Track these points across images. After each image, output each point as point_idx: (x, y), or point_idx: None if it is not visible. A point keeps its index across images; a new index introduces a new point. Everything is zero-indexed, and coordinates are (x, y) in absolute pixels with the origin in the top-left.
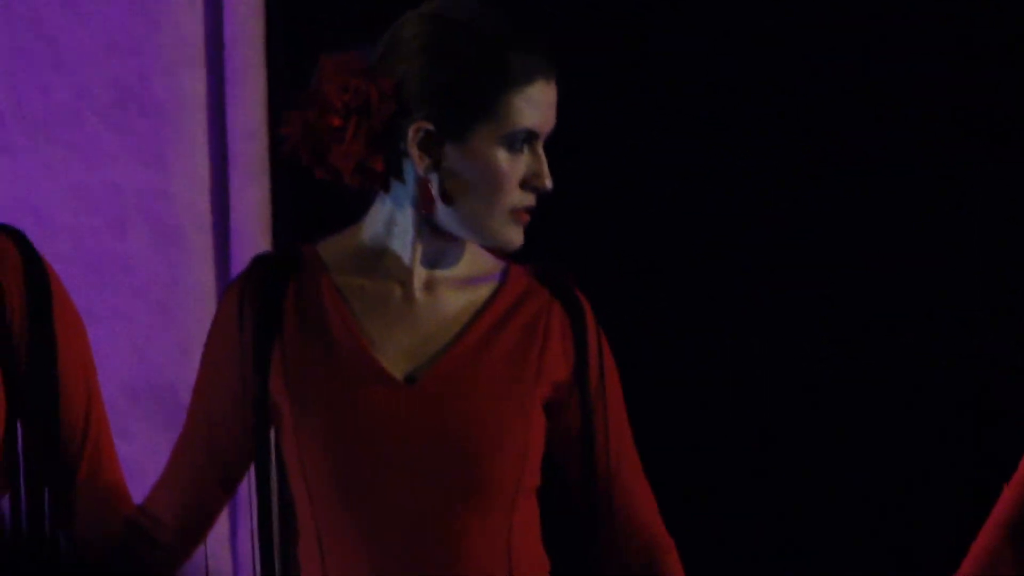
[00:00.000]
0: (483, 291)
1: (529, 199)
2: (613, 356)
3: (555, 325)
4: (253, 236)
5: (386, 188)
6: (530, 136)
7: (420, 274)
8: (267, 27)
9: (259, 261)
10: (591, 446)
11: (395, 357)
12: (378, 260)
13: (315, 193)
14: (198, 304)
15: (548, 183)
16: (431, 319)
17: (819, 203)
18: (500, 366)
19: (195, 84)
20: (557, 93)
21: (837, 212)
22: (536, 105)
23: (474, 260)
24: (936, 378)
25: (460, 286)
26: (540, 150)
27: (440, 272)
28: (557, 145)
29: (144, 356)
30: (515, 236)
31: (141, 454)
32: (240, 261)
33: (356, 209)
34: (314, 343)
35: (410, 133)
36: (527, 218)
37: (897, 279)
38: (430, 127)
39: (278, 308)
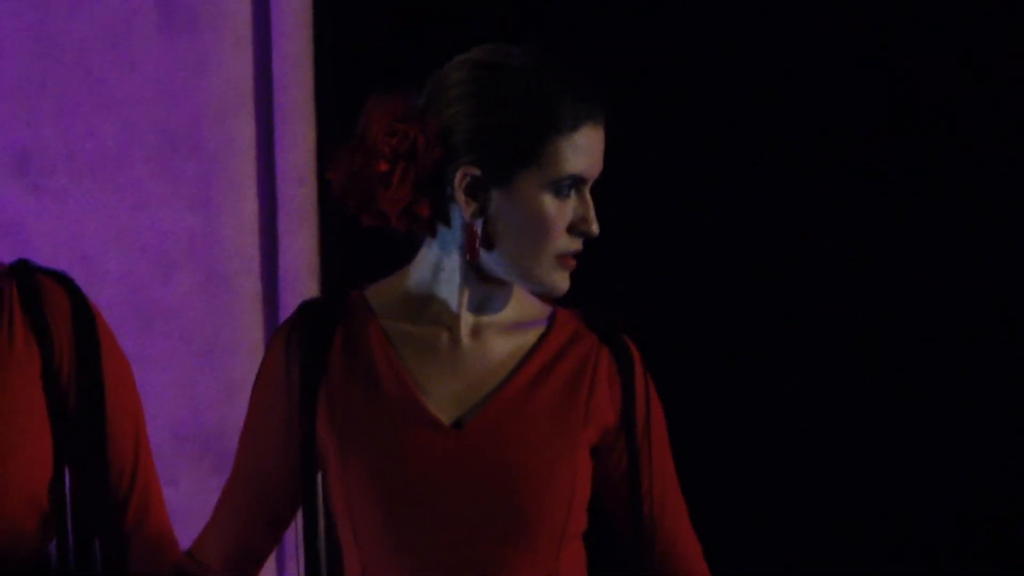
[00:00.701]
0: (530, 336)
1: (576, 244)
2: (659, 398)
3: (603, 370)
4: (301, 280)
5: (432, 233)
6: (577, 181)
7: (467, 319)
8: (316, 71)
9: (306, 306)
10: (637, 490)
11: (442, 402)
12: (425, 305)
13: (364, 238)
14: (246, 348)
15: (595, 228)
16: (478, 364)
17: (860, 236)
18: (547, 410)
19: (243, 128)
20: (605, 138)
21: (881, 246)
22: (583, 151)
23: (521, 305)
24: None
25: (507, 331)
26: (587, 195)
27: (487, 317)
28: (601, 187)
29: (192, 400)
30: (561, 281)
31: (188, 498)
32: (288, 306)
33: (405, 254)
34: (361, 388)
35: (456, 178)
36: (573, 263)
37: (944, 317)
38: (476, 172)
39: (325, 353)
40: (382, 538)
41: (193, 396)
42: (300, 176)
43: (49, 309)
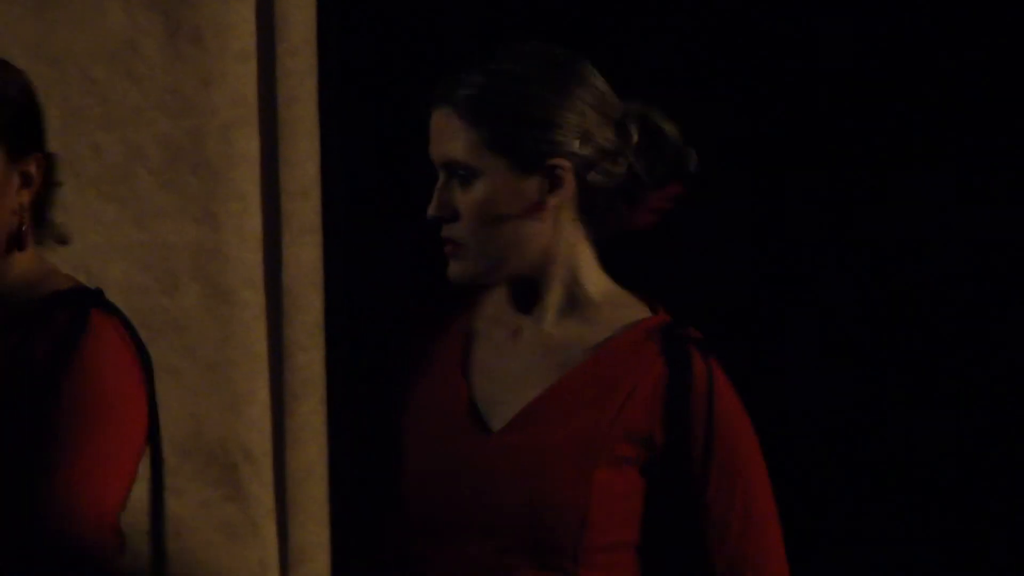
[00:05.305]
0: (591, 343)
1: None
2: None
3: (647, 383)
4: (305, 294)
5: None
6: (436, 166)
7: (527, 321)
8: (320, 86)
9: (431, 298)
10: (703, 516)
11: (493, 406)
12: (509, 306)
13: (367, 251)
14: (250, 362)
15: (429, 211)
16: (532, 369)
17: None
18: (573, 421)
19: (248, 142)
20: (449, 120)
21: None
22: (431, 135)
23: (596, 310)
24: None
25: (571, 337)
26: (440, 179)
27: (555, 320)
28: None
29: (195, 414)
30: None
31: (192, 510)
32: (292, 319)
33: (408, 267)
34: (433, 387)
35: None
36: (448, 248)
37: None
38: None
39: (427, 347)
40: (419, 536)
41: (197, 409)
42: (304, 190)
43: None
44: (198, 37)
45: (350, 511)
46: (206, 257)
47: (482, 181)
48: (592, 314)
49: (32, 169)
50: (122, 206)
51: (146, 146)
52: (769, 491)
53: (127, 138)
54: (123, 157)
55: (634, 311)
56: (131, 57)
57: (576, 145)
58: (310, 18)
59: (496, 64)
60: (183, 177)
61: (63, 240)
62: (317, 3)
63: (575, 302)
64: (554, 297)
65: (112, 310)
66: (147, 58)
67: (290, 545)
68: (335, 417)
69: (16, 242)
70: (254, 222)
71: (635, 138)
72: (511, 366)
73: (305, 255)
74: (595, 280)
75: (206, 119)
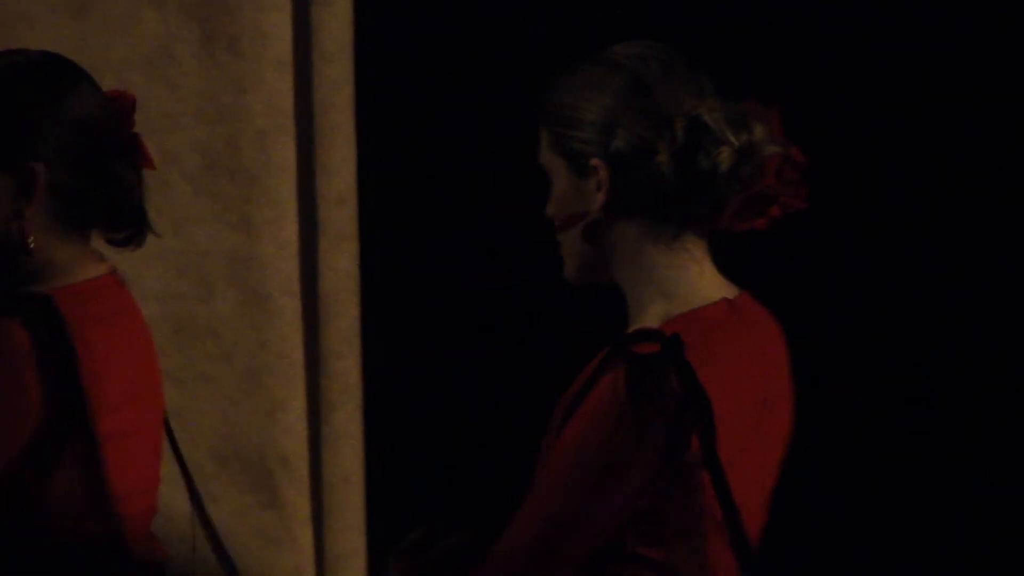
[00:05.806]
0: None
1: None
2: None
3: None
4: (341, 301)
5: None
6: None
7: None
8: (356, 93)
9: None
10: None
11: None
12: None
13: (403, 258)
14: (286, 369)
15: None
16: None
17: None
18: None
19: (284, 150)
20: (541, 132)
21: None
22: None
23: (646, 313)
24: None
25: None
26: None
27: (631, 323)
28: None
29: (232, 420)
30: None
31: (229, 517)
32: (328, 326)
33: (446, 276)
34: None
35: None
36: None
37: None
38: None
39: None
40: None
41: (233, 416)
42: (340, 197)
43: None
44: (234, 44)
45: (386, 518)
46: (242, 264)
47: (555, 183)
48: (641, 317)
49: (28, 178)
50: (158, 213)
51: (182, 153)
52: (557, 526)
53: (163, 145)
54: (159, 164)
55: (655, 316)
56: (167, 64)
57: (610, 144)
58: (346, 25)
59: (564, 68)
60: (219, 184)
61: (140, 243)
62: (353, 10)
63: (637, 303)
64: (629, 299)
65: (33, 317)
66: (183, 65)
67: (326, 552)
68: (371, 424)
69: (21, 248)
70: (290, 229)
71: (680, 137)
72: None
73: (341, 262)
74: (659, 280)
75: (242, 126)
